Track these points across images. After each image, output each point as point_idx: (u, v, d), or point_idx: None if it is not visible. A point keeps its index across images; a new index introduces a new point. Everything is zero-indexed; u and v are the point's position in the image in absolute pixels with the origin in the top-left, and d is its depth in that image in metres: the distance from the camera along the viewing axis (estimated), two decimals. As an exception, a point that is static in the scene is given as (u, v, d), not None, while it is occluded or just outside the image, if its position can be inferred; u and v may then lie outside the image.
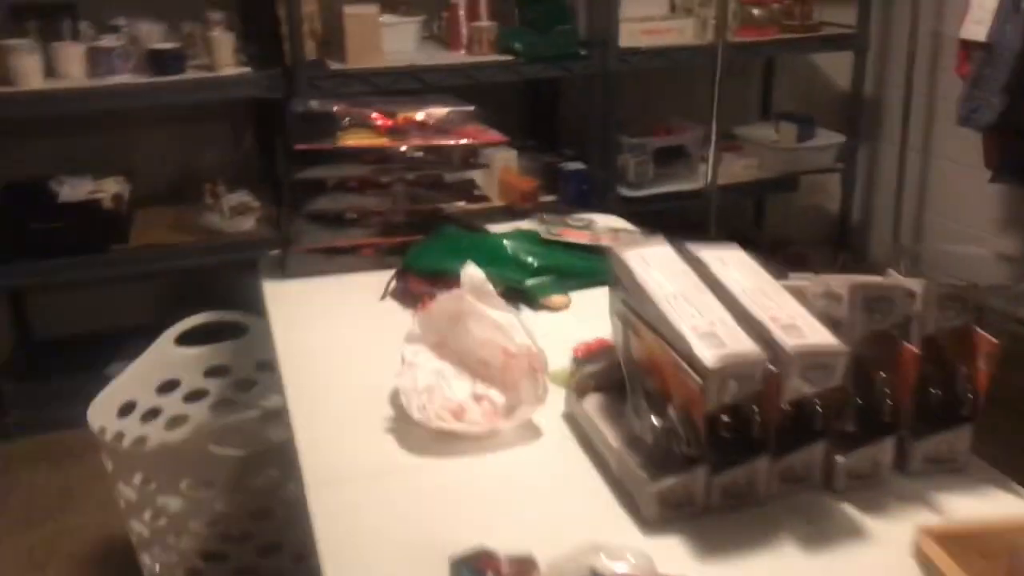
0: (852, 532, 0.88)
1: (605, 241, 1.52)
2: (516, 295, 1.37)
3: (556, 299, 1.39)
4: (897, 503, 0.91)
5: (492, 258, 1.42)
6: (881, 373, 0.92)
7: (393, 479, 0.98)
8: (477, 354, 1.12)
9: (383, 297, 1.44)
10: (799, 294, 0.95)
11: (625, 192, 2.79)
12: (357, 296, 1.46)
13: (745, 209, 3.46)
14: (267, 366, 1.77)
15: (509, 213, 1.68)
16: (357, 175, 1.52)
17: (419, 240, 1.49)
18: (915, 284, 0.93)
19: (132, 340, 2.66)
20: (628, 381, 0.98)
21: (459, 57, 2.58)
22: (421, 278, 1.40)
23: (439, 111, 1.53)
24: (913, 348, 0.90)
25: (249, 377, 1.81)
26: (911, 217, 3.06)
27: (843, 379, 0.88)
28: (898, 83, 2.99)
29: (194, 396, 1.79)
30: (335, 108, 1.49)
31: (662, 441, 0.90)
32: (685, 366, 0.87)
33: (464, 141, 1.53)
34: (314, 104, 1.50)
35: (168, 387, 1.75)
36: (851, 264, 3.15)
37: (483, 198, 1.59)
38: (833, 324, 0.90)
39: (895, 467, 0.94)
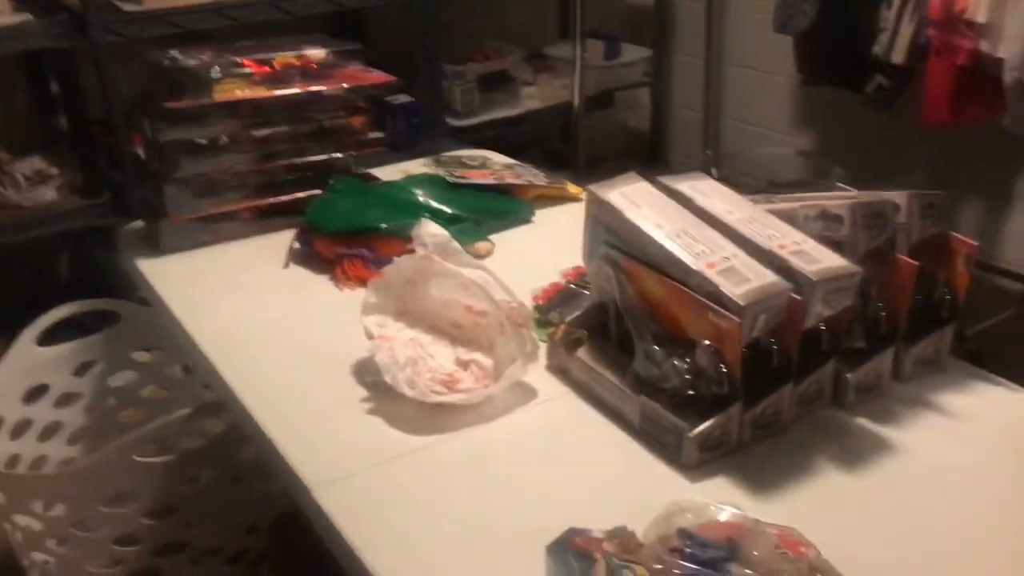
0: (875, 444, 0.90)
1: (508, 179, 1.47)
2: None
3: (481, 246, 1.32)
4: (902, 409, 0.95)
5: (404, 209, 1.34)
6: (875, 287, 0.95)
7: (403, 464, 0.90)
8: (445, 316, 1.05)
9: (287, 264, 1.32)
10: (790, 219, 0.95)
11: (453, 122, 2.72)
12: (255, 265, 1.33)
13: (558, 128, 3.48)
14: (146, 355, 1.59)
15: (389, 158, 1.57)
16: (232, 131, 1.36)
17: (315, 197, 1.36)
18: (898, 196, 0.95)
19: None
20: (632, 327, 0.94)
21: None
22: (331, 239, 1.28)
23: (317, 53, 1.39)
24: (909, 259, 0.93)
25: (126, 370, 1.61)
26: (715, 124, 3.20)
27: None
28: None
29: (66, 400, 1.57)
30: (201, 58, 1.32)
31: (690, 384, 0.88)
32: (712, 305, 0.85)
33: (345, 85, 1.41)
34: (178, 55, 1.32)
35: (35, 394, 1.52)
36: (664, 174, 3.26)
37: (372, 143, 1.48)
38: (833, 245, 0.91)
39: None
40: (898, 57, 2.13)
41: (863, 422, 0.93)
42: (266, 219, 1.42)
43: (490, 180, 1.44)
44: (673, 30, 3.23)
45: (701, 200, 0.98)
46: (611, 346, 1.00)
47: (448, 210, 1.34)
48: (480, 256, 1.31)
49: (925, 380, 0.99)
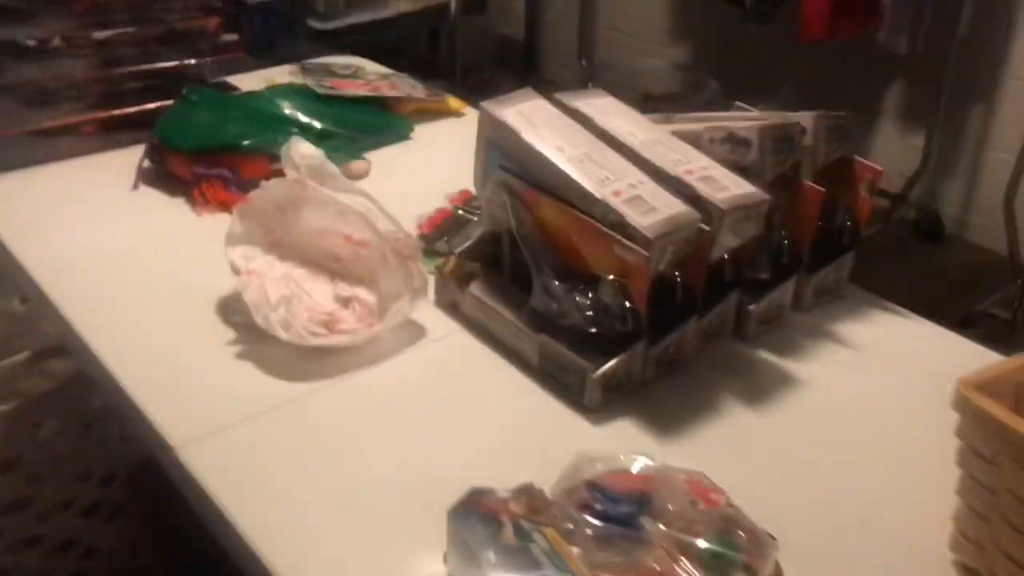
0: (777, 378, 0.87)
1: (386, 90, 1.35)
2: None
3: (356, 165, 1.21)
4: (803, 340, 0.92)
5: (268, 123, 1.21)
6: (780, 215, 0.90)
7: (278, 415, 0.81)
8: (322, 248, 0.95)
9: (136, 186, 1.18)
10: (695, 142, 0.89)
11: (316, 25, 2.54)
12: (98, 186, 1.18)
13: (427, 34, 3.33)
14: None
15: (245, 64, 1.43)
16: (66, 32, 1.19)
17: (167, 109, 1.22)
18: (805, 118, 0.91)
19: None
20: (529, 259, 0.87)
21: None
22: (186, 157, 1.15)
23: (163, -57, 1.22)
24: (815, 186, 0.89)
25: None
26: (590, 33, 3.13)
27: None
28: None
29: None
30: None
31: (592, 321, 0.82)
32: (618, 237, 0.79)
33: (199, -19, 1.25)
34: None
35: None
36: (540, 86, 3.18)
37: (227, 47, 1.34)
38: (739, 170, 0.86)
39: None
40: (778, -32, 2.10)
41: (765, 355, 0.90)
42: (110, 134, 1.27)
43: (364, 91, 1.32)
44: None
45: (601, 120, 0.90)
46: (506, 280, 0.93)
47: (318, 124, 1.23)
48: (355, 177, 1.20)
49: (825, 309, 0.96)
